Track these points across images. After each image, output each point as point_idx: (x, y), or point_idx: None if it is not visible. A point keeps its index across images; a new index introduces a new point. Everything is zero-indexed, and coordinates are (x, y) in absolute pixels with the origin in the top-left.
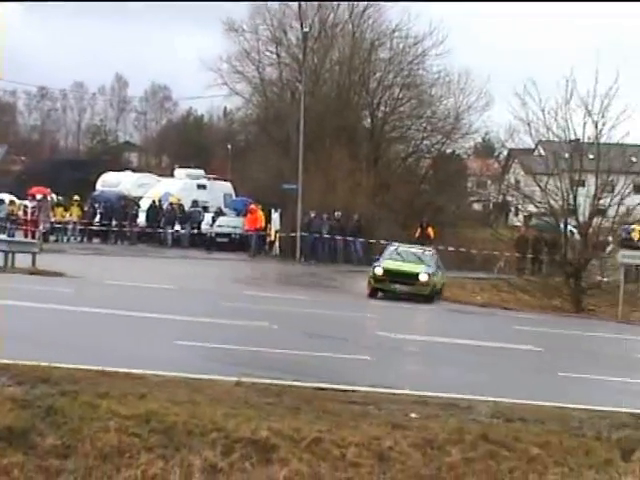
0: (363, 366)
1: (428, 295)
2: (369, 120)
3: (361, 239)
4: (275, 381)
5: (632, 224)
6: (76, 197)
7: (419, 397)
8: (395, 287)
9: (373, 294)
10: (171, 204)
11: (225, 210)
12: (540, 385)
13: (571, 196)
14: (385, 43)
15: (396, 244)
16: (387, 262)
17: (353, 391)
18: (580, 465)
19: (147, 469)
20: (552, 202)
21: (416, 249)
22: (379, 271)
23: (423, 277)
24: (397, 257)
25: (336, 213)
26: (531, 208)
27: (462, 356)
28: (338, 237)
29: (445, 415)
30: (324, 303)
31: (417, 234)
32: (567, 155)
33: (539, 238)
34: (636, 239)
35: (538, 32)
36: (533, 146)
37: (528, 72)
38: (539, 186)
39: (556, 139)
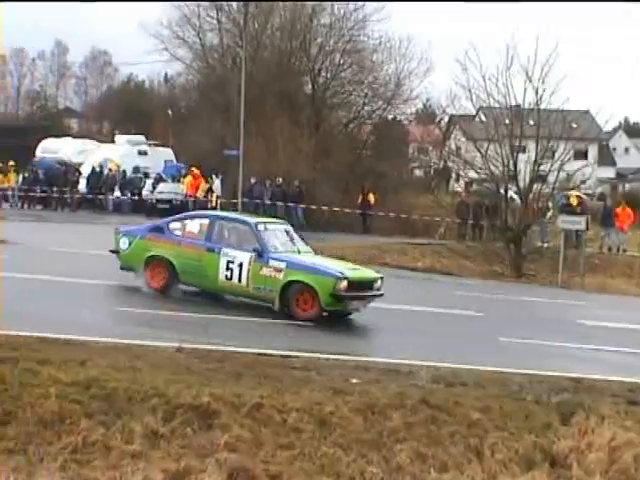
0: (306, 331)
1: None
2: (310, 86)
3: (302, 205)
4: (216, 347)
5: (571, 190)
6: (11, 163)
7: (360, 363)
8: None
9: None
10: (111, 170)
11: (164, 176)
12: (481, 350)
13: (511, 162)
14: (326, 9)
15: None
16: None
17: (295, 357)
18: (520, 429)
19: (88, 435)
20: (493, 168)
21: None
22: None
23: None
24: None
25: (277, 179)
26: (472, 174)
27: (403, 321)
28: (279, 203)
29: (386, 380)
30: None
31: (359, 200)
32: (508, 121)
33: (480, 204)
34: (574, 205)
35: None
36: (474, 112)
37: (469, 38)
38: (480, 152)
39: (497, 105)
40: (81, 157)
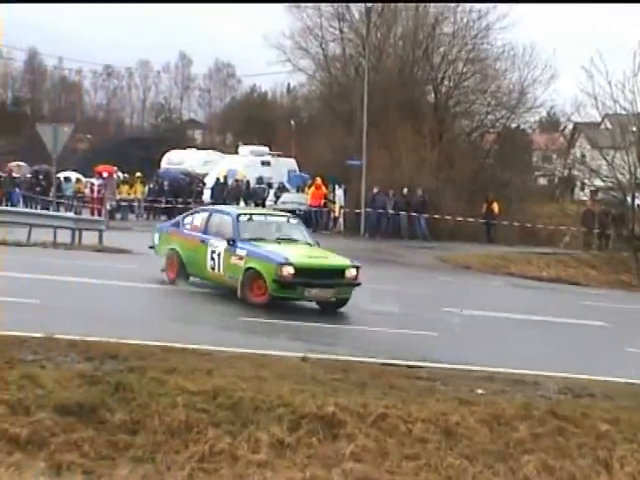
0: (428, 341)
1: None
2: (433, 95)
3: (425, 215)
4: (340, 357)
5: None
6: (138, 174)
7: (485, 373)
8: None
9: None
10: (236, 181)
11: (287, 186)
12: (609, 361)
13: (639, 170)
14: (449, 17)
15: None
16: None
17: (420, 367)
18: None
19: (215, 444)
20: (619, 176)
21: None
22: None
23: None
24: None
25: (403, 189)
26: (597, 182)
27: (529, 331)
28: (402, 213)
29: (512, 391)
30: (396, 278)
31: (483, 210)
32: (635, 128)
33: (606, 212)
34: None
35: (604, 3)
36: (599, 119)
37: (595, 44)
38: (606, 160)
39: (623, 112)
40: (205, 168)
